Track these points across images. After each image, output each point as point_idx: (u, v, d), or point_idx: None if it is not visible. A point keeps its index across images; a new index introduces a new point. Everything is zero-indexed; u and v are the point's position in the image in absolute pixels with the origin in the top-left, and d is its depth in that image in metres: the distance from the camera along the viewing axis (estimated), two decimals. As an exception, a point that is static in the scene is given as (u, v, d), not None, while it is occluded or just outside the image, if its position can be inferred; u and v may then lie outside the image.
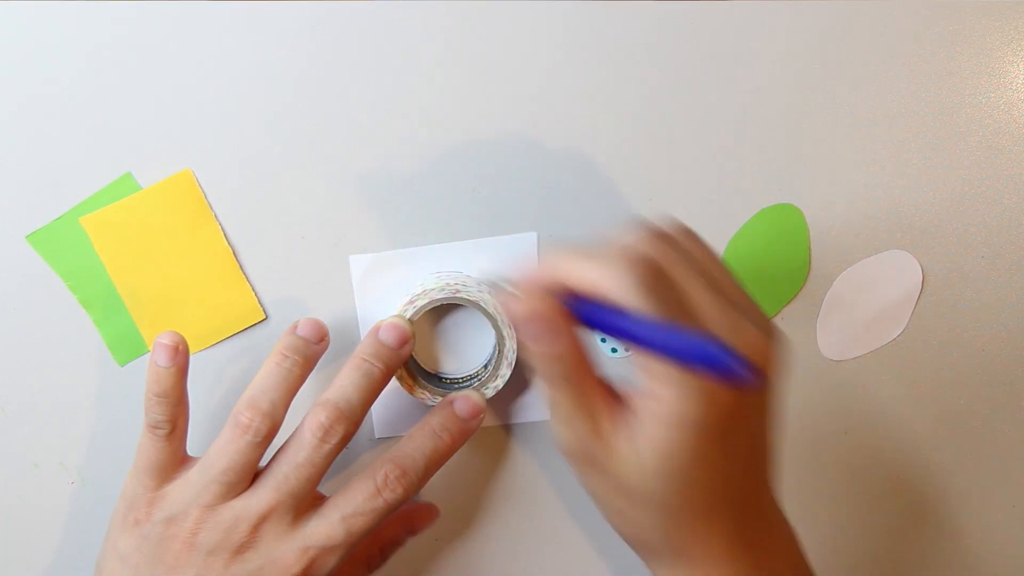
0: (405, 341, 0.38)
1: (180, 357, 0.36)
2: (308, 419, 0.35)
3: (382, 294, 0.41)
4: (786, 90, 0.40)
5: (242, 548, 0.34)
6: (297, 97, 0.40)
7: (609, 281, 0.28)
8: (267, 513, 0.34)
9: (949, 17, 0.39)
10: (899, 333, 0.43)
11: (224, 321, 0.41)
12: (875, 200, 0.42)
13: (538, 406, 0.44)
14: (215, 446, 0.35)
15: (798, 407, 0.44)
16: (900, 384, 0.44)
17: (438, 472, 0.41)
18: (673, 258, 0.29)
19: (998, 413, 0.44)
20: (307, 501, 0.35)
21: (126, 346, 0.41)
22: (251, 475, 0.35)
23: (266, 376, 0.36)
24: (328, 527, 0.35)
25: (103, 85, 0.39)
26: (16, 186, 0.40)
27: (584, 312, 0.29)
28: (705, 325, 0.28)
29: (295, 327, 0.38)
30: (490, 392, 0.40)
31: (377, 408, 0.43)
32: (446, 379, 0.42)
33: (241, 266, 0.41)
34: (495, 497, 0.45)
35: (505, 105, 0.40)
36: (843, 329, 0.43)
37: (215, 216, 0.40)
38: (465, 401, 0.39)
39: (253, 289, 0.41)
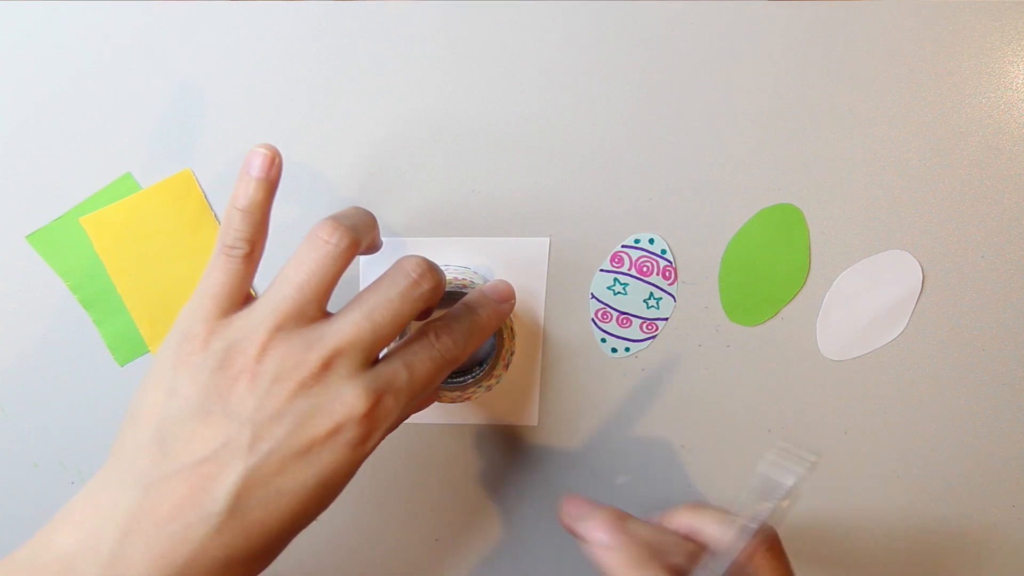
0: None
1: (275, 171, 0.33)
2: (401, 262, 0.33)
3: None
4: (786, 90, 0.40)
5: (309, 381, 0.30)
6: (298, 96, 0.39)
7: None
8: (344, 347, 0.30)
9: (949, 17, 0.39)
10: (899, 333, 0.43)
11: None
12: (875, 200, 0.41)
13: (532, 409, 0.44)
14: (289, 262, 0.31)
15: (798, 407, 0.44)
16: (900, 384, 0.44)
17: (432, 473, 0.41)
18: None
19: (998, 413, 0.44)
20: (385, 344, 0.32)
21: (126, 346, 0.41)
22: (327, 295, 0.31)
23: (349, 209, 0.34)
24: (392, 370, 0.31)
25: (103, 85, 0.39)
26: (16, 186, 0.40)
27: None
28: None
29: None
30: (482, 391, 0.40)
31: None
32: None
33: None
34: (488, 496, 0.45)
35: (506, 106, 0.40)
36: (843, 329, 0.43)
37: (215, 216, 0.40)
38: (496, 287, 0.37)
39: (253, 289, 0.41)
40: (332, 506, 0.43)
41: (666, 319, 0.43)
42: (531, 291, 0.42)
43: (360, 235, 0.32)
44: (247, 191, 0.32)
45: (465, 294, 0.38)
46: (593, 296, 0.42)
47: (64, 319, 0.41)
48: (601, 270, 0.42)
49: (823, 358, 0.44)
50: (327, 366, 0.30)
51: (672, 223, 0.42)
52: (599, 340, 0.43)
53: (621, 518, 0.35)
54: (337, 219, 0.32)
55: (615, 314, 0.42)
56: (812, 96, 0.40)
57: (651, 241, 0.42)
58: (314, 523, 0.43)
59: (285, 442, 0.29)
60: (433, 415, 0.44)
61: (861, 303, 0.43)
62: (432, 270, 0.32)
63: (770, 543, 0.34)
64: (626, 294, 0.42)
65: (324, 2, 0.38)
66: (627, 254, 0.42)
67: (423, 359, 0.32)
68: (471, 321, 0.35)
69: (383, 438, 0.31)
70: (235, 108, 0.39)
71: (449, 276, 0.39)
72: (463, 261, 0.41)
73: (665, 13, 0.39)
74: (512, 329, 0.39)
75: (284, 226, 0.41)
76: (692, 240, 0.42)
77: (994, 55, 0.40)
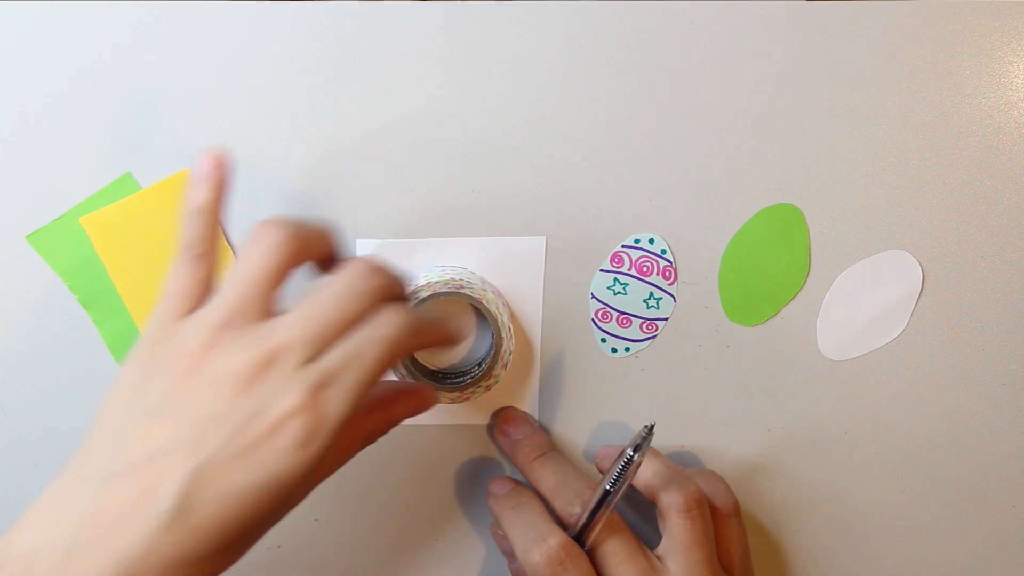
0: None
1: (222, 171, 0.33)
2: (353, 260, 0.32)
3: None
4: (786, 90, 0.40)
5: (250, 380, 0.29)
6: (298, 96, 0.39)
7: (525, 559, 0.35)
8: (285, 344, 0.29)
9: (949, 17, 0.39)
10: (899, 333, 0.43)
11: None
12: (875, 200, 0.41)
13: (531, 409, 0.44)
14: (234, 265, 0.31)
15: (798, 407, 0.44)
16: (900, 384, 0.44)
17: (432, 473, 0.41)
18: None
19: (998, 413, 0.44)
20: (331, 339, 0.30)
21: (126, 346, 0.41)
22: (270, 292, 0.31)
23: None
24: (334, 361, 0.30)
25: (103, 85, 0.39)
26: (16, 186, 0.40)
27: None
28: None
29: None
30: (481, 392, 0.40)
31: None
32: (438, 373, 0.42)
33: None
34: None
35: (506, 107, 0.40)
36: (843, 329, 0.43)
37: None
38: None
39: None
40: (333, 506, 0.43)
41: (666, 319, 0.43)
42: (529, 290, 0.42)
43: (305, 237, 0.31)
44: (197, 193, 0.33)
45: (463, 295, 0.38)
46: (593, 296, 0.42)
47: (64, 319, 0.41)
48: (601, 270, 0.42)
49: (823, 358, 0.43)
50: (268, 364, 0.29)
51: (672, 223, 0.42)
52: (599, 340, 0.43)
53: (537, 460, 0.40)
54: (279, 218, 0.31)
55: (615, 314, 0.42)
56: (812, 96, 0.40)
57: (651, 241, 0.42)
58: (314, 522, 0.43)
59: (228, 442, 0.28)
60: (433, 416, 0.44)
61: (861, 303, 0.43)
62: (381, 268, 0.31)
63: (688, 506, 0.37)
64: (626, 294, 0.42)
65: (324, 2, 0.38)
66: (627, 254, 0.42)
67: (371, 341, 0.30)
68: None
69: (334, 436, 0.29)
70: (235, 107, 0.39)
71: (446, 277, 0.39)
72: (460, 261, 0.41)
73: (665, 13, 0.39)
74: (511, 328, 0.39)
75: None
76: (692, 240, 0.42)
77: (994, 55, 0.40)
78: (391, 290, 0.32)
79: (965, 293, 0.43)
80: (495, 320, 0.39)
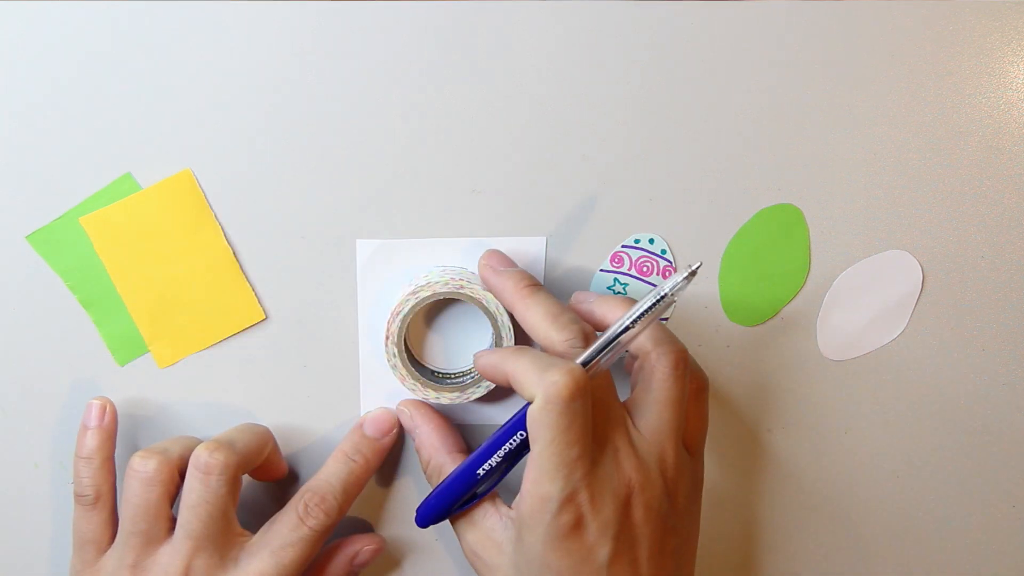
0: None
1: (108, 418, 0.38)
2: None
3: (384, 283, 0.41)
4: (786, 90, 0.40)
5: None
6: (298, 96, 0.39)
7: (539, 381, 0.32)
8: (190, 557, 0.35)
9: (949, 17, 0.39)
10: (899, 333, 0.43)
11: (223, 321, 0.41)
12: (875, 200, 0.41)
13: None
14: (122, 500, 0.37)
15: (798, 407, 0.44)
16: (900, 384, 0.44)
17: (402, 497, 0.42)
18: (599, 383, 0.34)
19: (998, 413, 0.44)
20: (225, 542, 0.36)
21: (126, 346, 0.41)
22: (156, 519, 0.36)
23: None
24: (259, 562, 0.36)
25: (103, 85, 0.39)
26: (16, 186, 0.39)
27: None
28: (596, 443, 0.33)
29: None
30: (481, 391, 0.40)
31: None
32: (438, 373, 0.42)
33: (241, 266, 0.41)
34: None
35: (506, 107, 0.40)
36: (843, 329, 0.43)
37: (215, 216, 0.40)
38: (373, 422, 0.41)
39: (253, 289, 0.41)
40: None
41: (666, 319, 0.43)
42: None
43: (177, 464, 0.37)
44: (85, 440, 0.37)
45: (463, 295, 0.38)
46: (593, 296, 0.42)
47: (64, 319, 0.41)
48: (601, 270, 0.42)
49: (823, 358, 0.43)
50: None
51: (672, 223, 0.41)
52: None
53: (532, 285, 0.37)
54: (150, 450, 0.37)
55: (615, 314, 0.42)
56: (812, 96, 0.40)
57: (651, 241, 0.42)
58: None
59: None
60: (433, 415, 0.44)
61: (861, 303, 0.43)
62: (320, 504, 0.37)
63: (677, 365, 0.35)
64: (626, 294, 0.42)
65: (324, 2, 0.38)
66: (627, 254, 0.42)
67: (292, 542, 0.36)
68: (347, 472, 0.39)
69: None
70: (235, 108, 0.39)
71: (446, 277, 0.39)
72: (460, 262, 0.41)
73: (664, 13, 0.39)
74: (511, 328, 0.39)
75: (283, 225, 0.41)
76: (692, 240, 0.42)
77: (994, 55, 0.40)
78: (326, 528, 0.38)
79: (965, 293, 0.43)
80: (495, 320, 0.39)
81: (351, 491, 0.39)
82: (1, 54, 0.38)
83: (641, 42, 0.39)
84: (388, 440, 0.41)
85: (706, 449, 0.42)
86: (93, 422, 0.37)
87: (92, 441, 0.37)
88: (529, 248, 0.41)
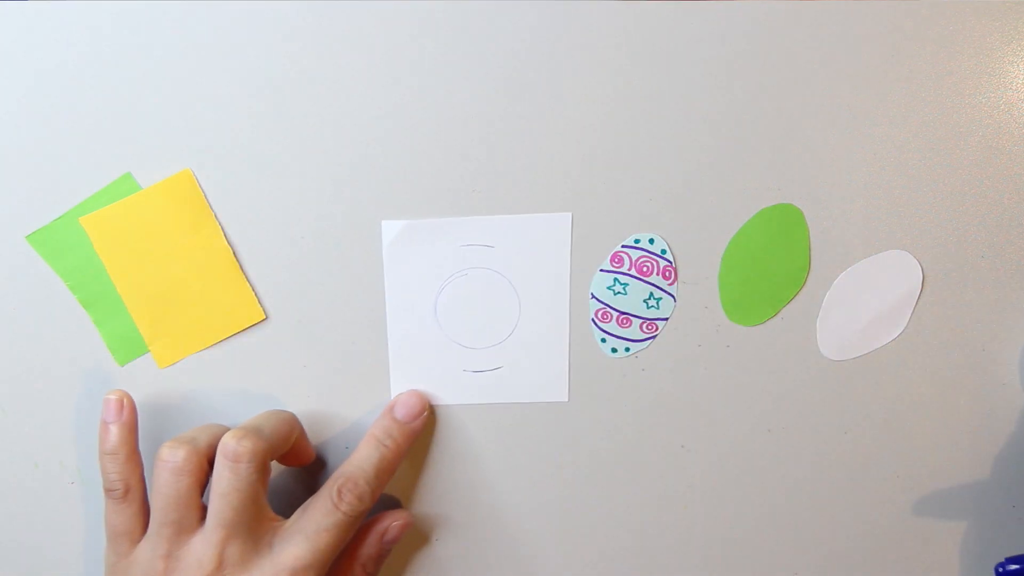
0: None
1: (127, 412, 0.37)
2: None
3: (411, 266, 0.41)
4: (786, 90, 0.40)
5: None
6: (298, 95, 0.39)
7: None
8: (223, 545, 0.35)
9: (949, 17, 0.39)
10: (899, 333, 0.43)
11: (223, 321, 0.41)
12: (875, 200, 0.41)
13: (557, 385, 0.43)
14: (152, 491, 0.36)
15: (798, 407, 0.44)
16: (900, 384, 0.43)
17: (431, 475, 0.41)
18: None
19: (998, 413, 0.44)
20: (258, 527, 0.36)
21: (126, 346, 0.41)
22: (187, 509, 0.36)
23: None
24: (295, 547, 0.36)
25: (103, 85, 0.38)
26: (16, 186, 0.39)
27: None
28: None
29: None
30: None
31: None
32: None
33: (241, 266, 0.40)
34: (489, 496, 0.44)
35: (504, 107, 0.40)
36: (843, 329, 0.43)
37: (215, 216, 0.40)
38: (403, 406, 0.40)
39: (253, 289, 0.41)
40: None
41: (666, 319, 0.43)
42: (556, 271, 0.41)
43: (205, 452, 0.37)
44: (108, 436, 0.37)
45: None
46: (593, 296, 0.42)
47: (64, 319, 0.41)
48: (601, 270, 0.42)
49: (823, 358, 0.43)
50: (221, 565, 0.35)
51: (672, 223, 0.41)
52: (599, 340, 0.43)
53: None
54: (178, 440, 0.36)
55: (615, 314, 0.42)
56: (812, 96, 0.40)
57: (651, 241, 0.42)
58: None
59: None
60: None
61: (861, 303, 0.42)
62: (352, 489, 0.37)
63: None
64: (626, 294, 0.42)
65: (325, 1, 0.38)
66: (627, 254, 0.42)
67: (327, 527, 0.36)
68: (378, 459, 0.39)
69: None
70: (235, 107, 0.39)
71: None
72: (484, 241, 0.41)
73: (662, 13, 0.39)
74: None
75: (283, 224, 0.40)
76: (692, 240, 0.42)
77: (994, 55, 0.40)
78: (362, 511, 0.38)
79: (965, 293, 0.42)
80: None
81: (383, 475, 0.39)
82: (2, 54, 0.38)
83: (640, 41, 0.39)
84: (419, 423, 0.40)
85: (707, 448, 0.42)
86: (112, 417, 0.37)
87: (115, 436, 0.37)
88: (553, 225, 0.41)
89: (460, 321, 0.41)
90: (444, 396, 0.42)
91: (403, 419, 0.40)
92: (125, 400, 0.37)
